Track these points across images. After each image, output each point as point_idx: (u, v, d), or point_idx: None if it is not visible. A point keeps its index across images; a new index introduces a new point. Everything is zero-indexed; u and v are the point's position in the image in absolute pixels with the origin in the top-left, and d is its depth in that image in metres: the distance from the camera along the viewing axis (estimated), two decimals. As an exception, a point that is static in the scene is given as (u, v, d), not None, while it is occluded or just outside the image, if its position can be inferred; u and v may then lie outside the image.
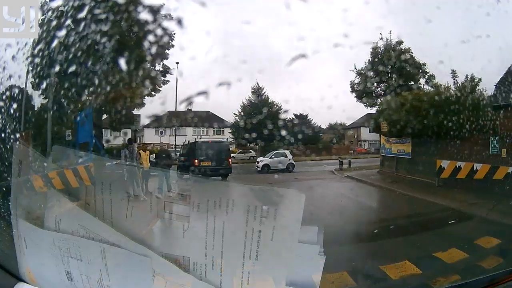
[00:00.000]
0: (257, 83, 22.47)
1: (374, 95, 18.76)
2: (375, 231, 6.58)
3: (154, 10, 9.65)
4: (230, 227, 1.63)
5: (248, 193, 1.85)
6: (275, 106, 22.29)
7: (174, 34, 11.68)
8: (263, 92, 23.19)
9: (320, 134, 23.84)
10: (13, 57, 2.56)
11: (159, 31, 9.88)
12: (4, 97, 2.60)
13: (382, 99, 17.92)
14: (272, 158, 21.06)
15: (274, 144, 21.71)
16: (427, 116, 11.22)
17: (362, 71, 18.67)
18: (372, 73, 18.19)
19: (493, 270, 2.08)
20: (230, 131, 23.64)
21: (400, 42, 17.37)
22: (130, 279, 1.74)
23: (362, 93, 18.67)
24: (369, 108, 19.51)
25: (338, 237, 5.69)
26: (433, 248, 5.01)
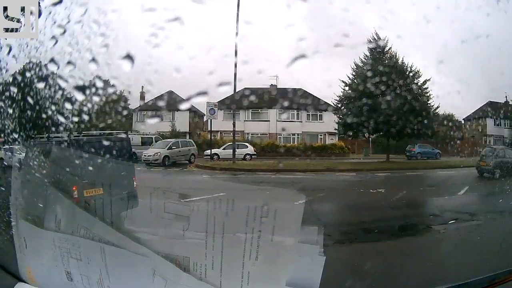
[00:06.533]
0: (375, 32, 13.35)
1: None
2: None
3: None
4: (230, 227, 1.63)
5: (248, 193, 1.85)
6: (408, 69, 13.40)
7: None
8: (388, 48, 13.64)
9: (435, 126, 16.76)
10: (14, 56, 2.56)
11: None
12: (4, 97, 2.60)
13: None
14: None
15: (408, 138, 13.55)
16: None
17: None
18: None
19: (493, 270, 2.07)
20: (337, 112, 15.37)
21: None
22: (130, 279, 1.73)
23: None
24: None
25: None
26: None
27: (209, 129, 17.58)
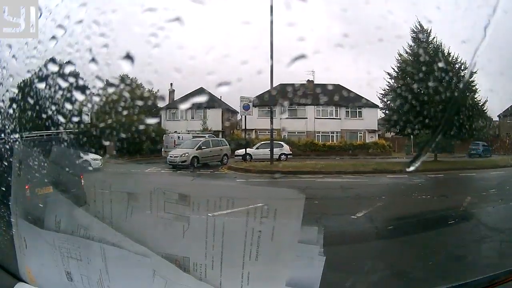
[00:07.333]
0: (419, 22, 12.98)
1: None
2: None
3: None
4: (230, 227, 1.63)
5: (248, 193, 1.84)
6: (453, 61, 12.16)
7: None
8: (431, 38, 12.96)
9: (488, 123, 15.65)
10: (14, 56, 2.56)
11: None
12: (4, 97, 2.60)
13: None
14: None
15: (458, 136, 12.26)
16: None
17: None
18: None
19: (493, 270, 2.07)
20: (383, 107, 14.08)
21: None
22: (130, 279, 1.74)
23: None
24: None
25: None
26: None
27: (243, 127, 16.11)
